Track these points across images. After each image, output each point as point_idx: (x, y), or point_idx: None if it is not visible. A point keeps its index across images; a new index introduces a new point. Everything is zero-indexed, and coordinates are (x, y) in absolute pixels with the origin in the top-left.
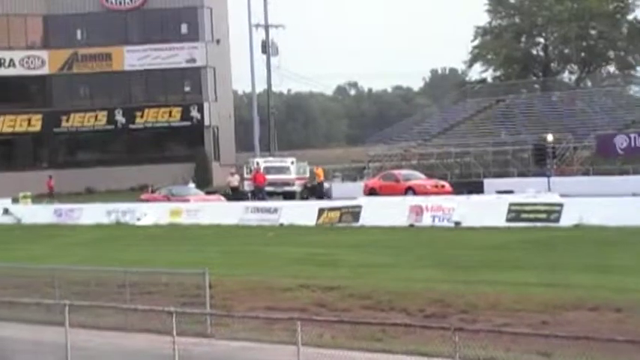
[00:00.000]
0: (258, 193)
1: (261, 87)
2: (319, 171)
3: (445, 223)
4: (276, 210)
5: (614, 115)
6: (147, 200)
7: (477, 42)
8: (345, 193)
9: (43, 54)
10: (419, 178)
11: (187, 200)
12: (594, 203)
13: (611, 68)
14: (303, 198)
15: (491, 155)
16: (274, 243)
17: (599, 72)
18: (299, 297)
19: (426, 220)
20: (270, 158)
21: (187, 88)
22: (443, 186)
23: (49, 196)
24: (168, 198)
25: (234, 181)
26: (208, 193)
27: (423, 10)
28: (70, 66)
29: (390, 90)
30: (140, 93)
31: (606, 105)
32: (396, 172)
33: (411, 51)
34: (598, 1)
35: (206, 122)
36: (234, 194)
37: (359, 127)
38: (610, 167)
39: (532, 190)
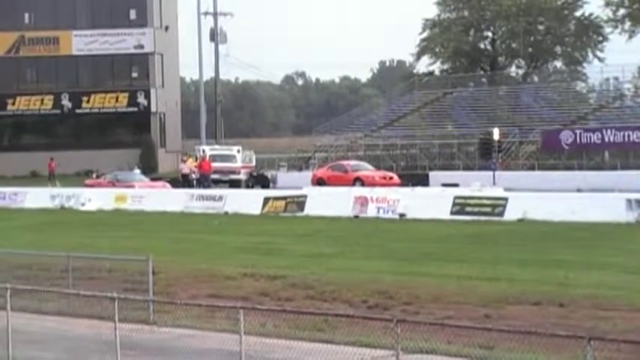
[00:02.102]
0: (204, 181)
1: (208, 75)
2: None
3: (390, 215)
4: (221, 198)
5: (560, 111)
6: (91, 186)
7: (425, 34)
8: (291, 182)
9: None
10: (367, 169)
11: (132, 186)
12: (538, 198)
13: (558, 64)
14: (248, 186)
15: (437, 148)
16: (219, 231)
17: (546, 67)
18: (242, 285)
19: (371, 212)
20: (217, 146)
21: (135, 74)
22: (391, 178)
23: (50, 177)
24: (113, 184)
25: (186, 168)
26: (154, 179)
27: (372, 1)
28: (17, 49)
29: (337, 80)
30: (87, 78)
31: (552, 100)
32: (344, 162)
33: (359, 42)
34: None
35: (153, 109)
36: (185, 181)
37: (306, 117)
38: (555, 162)
39: (477, 184)
